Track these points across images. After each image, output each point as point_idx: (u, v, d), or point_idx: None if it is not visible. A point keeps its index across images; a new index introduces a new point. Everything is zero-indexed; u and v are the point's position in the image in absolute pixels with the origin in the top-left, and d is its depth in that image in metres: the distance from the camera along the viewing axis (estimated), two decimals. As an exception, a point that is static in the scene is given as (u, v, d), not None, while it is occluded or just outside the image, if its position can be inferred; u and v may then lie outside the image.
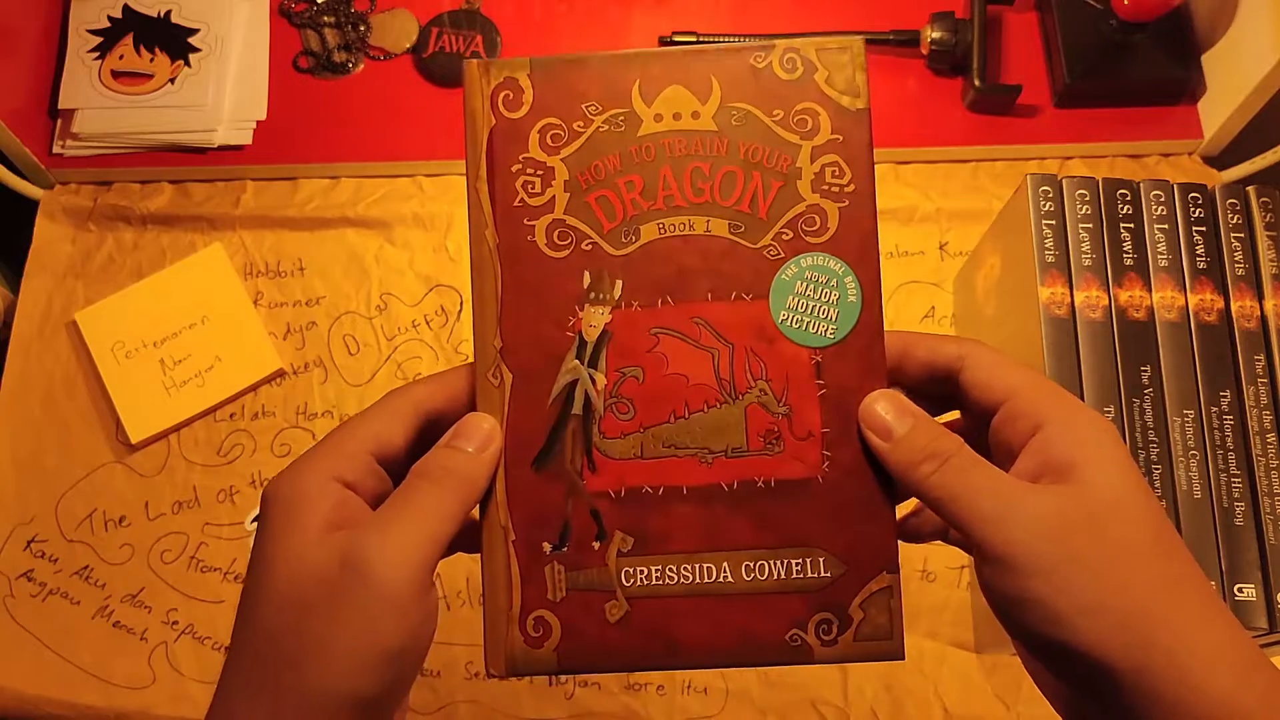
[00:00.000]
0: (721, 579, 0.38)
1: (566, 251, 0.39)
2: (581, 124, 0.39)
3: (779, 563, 0.38)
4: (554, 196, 0.39)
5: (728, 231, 0.39)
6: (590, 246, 0.39)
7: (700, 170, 0.39)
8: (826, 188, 0.39)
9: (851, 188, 0.39)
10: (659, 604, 0.38)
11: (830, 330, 0.38)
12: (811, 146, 0.39)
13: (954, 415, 0.39)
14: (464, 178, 0.39)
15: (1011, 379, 0.36)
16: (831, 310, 0.38)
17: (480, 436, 0.37)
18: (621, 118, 0.39)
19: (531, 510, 0.38)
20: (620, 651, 0.38)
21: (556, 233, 0.39)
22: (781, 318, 0.39)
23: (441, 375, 0.39)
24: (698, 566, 0.38)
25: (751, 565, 0.38)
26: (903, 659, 0.37)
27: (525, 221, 0.39)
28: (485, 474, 0.37)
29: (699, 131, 0.39)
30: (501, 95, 0.39)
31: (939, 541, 0.42)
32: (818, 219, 0.39)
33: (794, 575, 0.38)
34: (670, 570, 0.38)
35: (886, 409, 0.37)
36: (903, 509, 0.40)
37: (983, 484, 0.34)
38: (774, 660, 0.38)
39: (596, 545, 0.38)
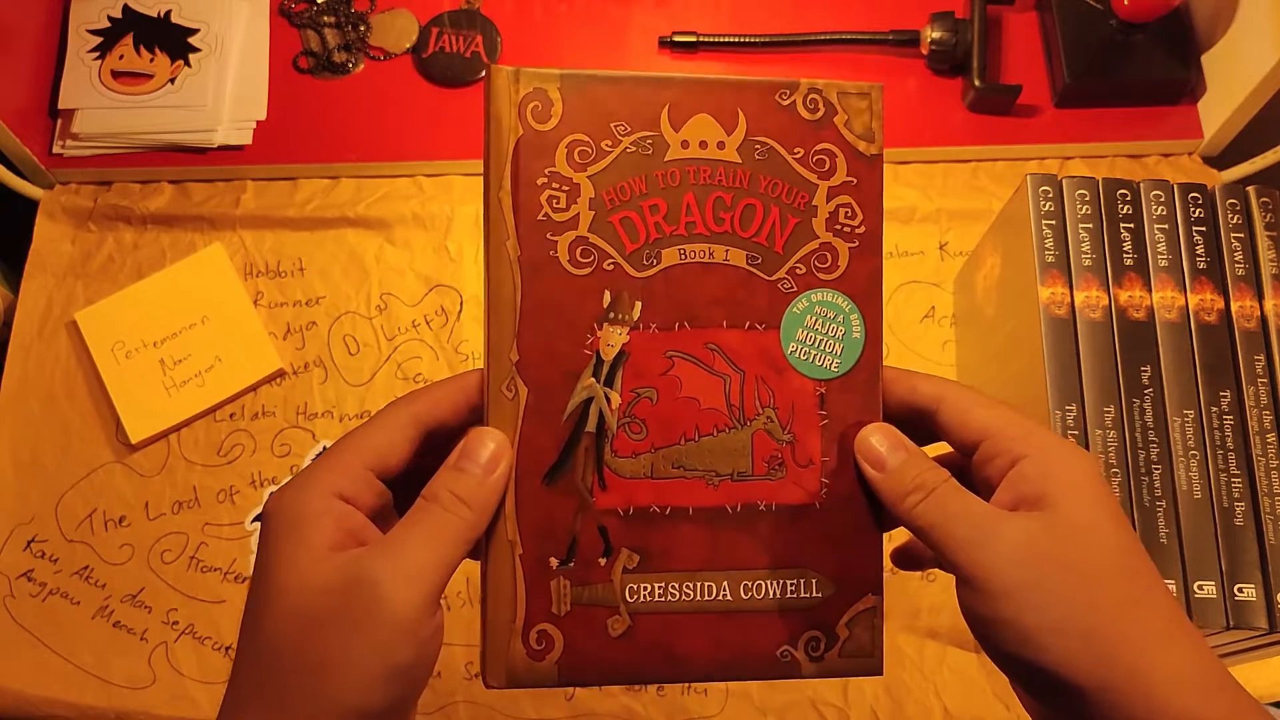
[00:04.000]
0: (721, 597, 0.39)
1: (588, 270, 0.39)
2: (610, 143, 0.39)
3: (775, 583, 0.39)
4: (578, 214, 0.39)
5: (745, 262, 0.40)
6: (612, 266, 0.39)
7: (722, 200, 0.40)
8: (839, 227, 0.40)
9: (862, 229, 0.40)
10: (660, 620, 0.39)
11: (835, 364, 0.40)
12: (828, 186, 0.40)
13: (947, 448, 0.40)
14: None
15: (986, 419, 0.37)
16: (837, 345, 0.40)
17: (487, 456, 0.37)
18: (649, 141, 0.39)
19: (540, 525, 0.38)
20: (621, 665, 0.38)
21: (579, 250, 0.39)
22: (791, 349, 0.40)
23: (444, 384, 0.39)
24: (699, 584, 0.39)
25: (750, 585, 0.39)
26: (881, 674, 0.39)
27: (549, 236, 0.38)
28: (495, 498, 0.37)
29: (723, 162, 0.40)
30: (530, 105, 0.38)
31: (935, 569, 0.43)
32: (829, 256, 0.40)
33: (788, 595, 0.39)
34: (673, 588, 0.39)
35: (881, 442, 0.39)
36: (902, 536, 0.41)
37: (960, 512, 0.36)
38: (765, 674, 0.39)
39: (603, 562, 0.38)
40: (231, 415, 0.72)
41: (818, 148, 0.40)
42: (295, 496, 0.35)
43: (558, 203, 0.39)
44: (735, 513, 0.39)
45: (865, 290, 0.40)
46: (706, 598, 0.39)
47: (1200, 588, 0.51)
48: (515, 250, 0.38)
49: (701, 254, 0.39)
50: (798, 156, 0.40)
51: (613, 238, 0.39)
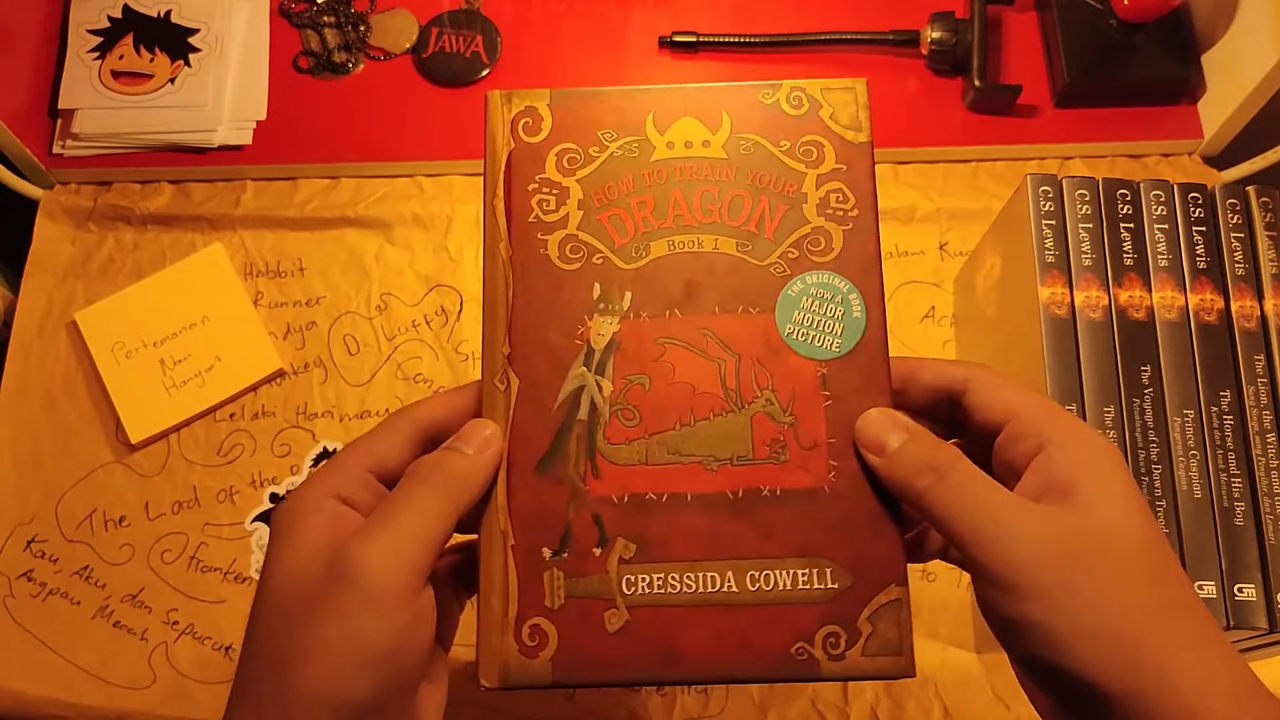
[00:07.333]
0: (725, 589, 0.37)
1: (578, 264, 0.39)
2: (597, 149, 0.41)
3: (784, 573, 0.37)
4: (568, 214, 0.40)
5: (735, 249, 0.40)
6: (601, 260, 0.39)
7: (709, 193, 0.40)
8: (831, 211, 0.40)
9: (855, 212, 0.40)
10: (660, 613, 0.36)
11: (835, 344, 0.38)
12: (816, 174, 0.40)
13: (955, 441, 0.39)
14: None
15: (1014, 400, 0.36)
16: (836, 325, 0.39)
17: (479, 439, 0.37)
18: (635, 144, 0.41)
19: (532, 514, 0.37)
20: (618, 663, 0.36)
21: (569, 247, 0.40)
22: (787, 331, 0.39)
23: (445, 393, 0.39)
24: (701, 575, 0.37)
25: (756, 575, 0.37)
26: (913, 676, 0.36)
27: (539, 236, 0.40)
28: (480, 474, 0.37)
29: (709, 158, 0.41)
30: (521, 122, 0.41)
31: (939, 560, 0.43)
32: (823, 240, 0.40)
33: (800, 586, 0.37)
34: (673, 579, 0.37)
35: (879, 424, 0.37)
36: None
37: (983, 503, 0.34)
38: (779, 675, 0.36)
39: (597, 552, 0.37)
40: (231, 415, 0.72)
41: (804, 139, 0.41)
42: (293, 501, 0.35)
43: (548, 205, 0.40)
44: (737, 498, 0.37)
45: (862, 270, 0.39)
46: (710, 589, 0.36)
47: (1200, 588, 0.51)
48: (507, 250, 0.40)
49: (690, 244, 0.40)
50: (784, 149, 0.40)
51: (601, 234, 0.40)
